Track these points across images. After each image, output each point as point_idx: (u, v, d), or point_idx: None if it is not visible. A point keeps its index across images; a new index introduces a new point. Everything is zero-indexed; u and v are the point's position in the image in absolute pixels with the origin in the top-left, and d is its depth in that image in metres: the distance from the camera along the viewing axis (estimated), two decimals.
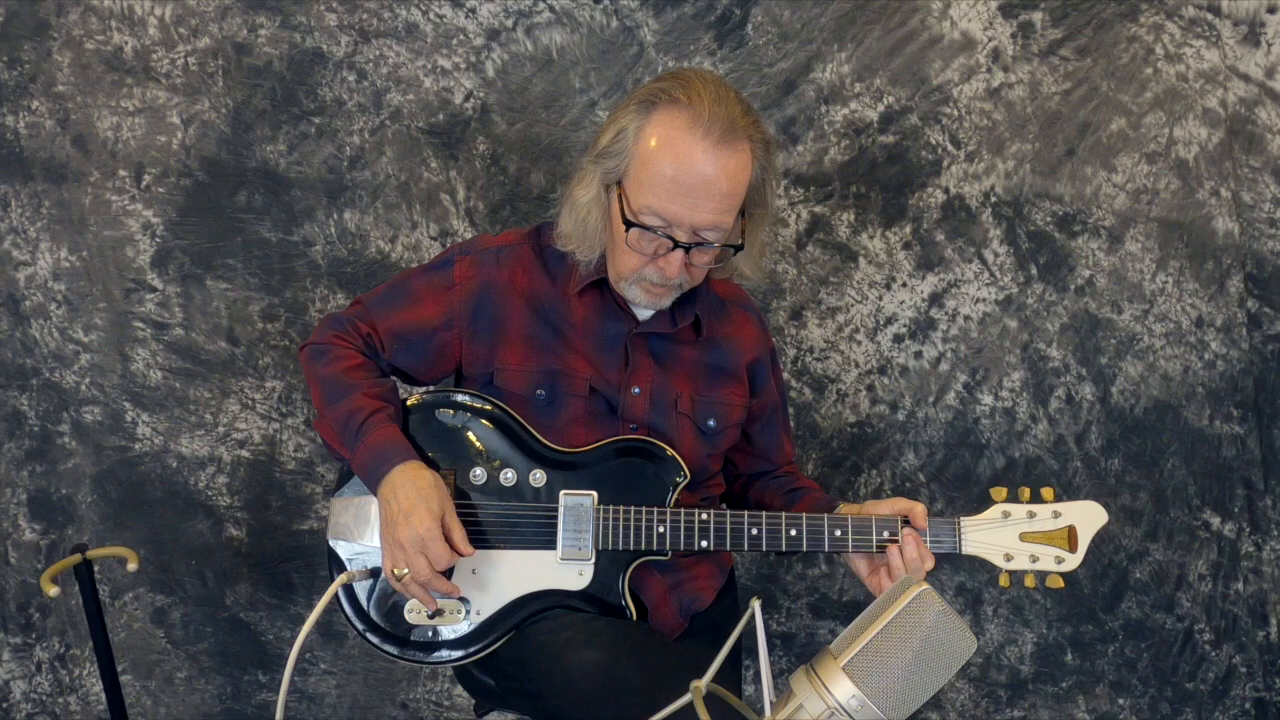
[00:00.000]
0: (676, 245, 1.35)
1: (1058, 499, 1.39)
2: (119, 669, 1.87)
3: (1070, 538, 1.38)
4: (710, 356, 1.54)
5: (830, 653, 0.96)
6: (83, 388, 2.07)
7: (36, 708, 2.18)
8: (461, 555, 1.36)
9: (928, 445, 2.11)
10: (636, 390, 1.48)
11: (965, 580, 2.15)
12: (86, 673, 2.16)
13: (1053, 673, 2.17)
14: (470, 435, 1.46)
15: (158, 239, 2.04)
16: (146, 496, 2.10)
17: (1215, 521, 2.12)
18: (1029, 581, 1.39)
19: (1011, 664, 2.17)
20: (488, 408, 1.47)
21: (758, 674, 0.98)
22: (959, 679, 2.18)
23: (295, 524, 2.10)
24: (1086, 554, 1.37)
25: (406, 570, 1.34)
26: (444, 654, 1.44)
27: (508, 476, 1.44)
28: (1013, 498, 1.40)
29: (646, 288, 1.42)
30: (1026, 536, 1.38)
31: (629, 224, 1.36)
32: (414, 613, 1.42)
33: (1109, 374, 2.09)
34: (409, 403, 1.47)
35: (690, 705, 0.93)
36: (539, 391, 1.46)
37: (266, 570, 2.12)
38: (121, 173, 2.02)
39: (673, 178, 1.33)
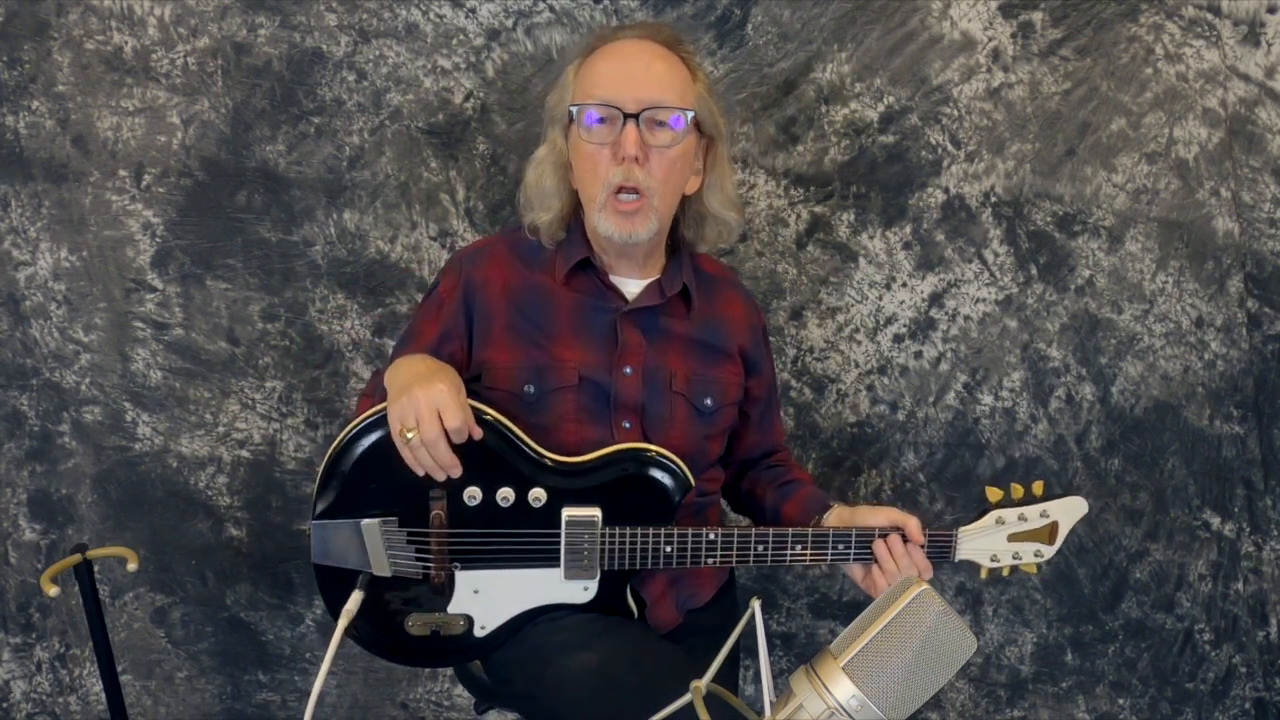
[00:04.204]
0: (627, 118, 1.36)
1: (1048, 493, 1.42)
2: (119, 669, 1.87)
3: (1051, 532, 1.42)
4: (703, 334, 1.51)
5: (830, 653, 0.96)
6: (83, 388, 2.07)
7: (36, 708, 2.18)
8: (473, 437, 1.29)
9: (928, 445, 2.11)
10: (628, 370, 1.44)
11: (965, 580, 2.15)
12: (86, 673, 2.16)
13: (1053, 673, 2.17)
14: (462, 452, 1.32)
15: (158, 239, 2.04)
16: (146, 496, 2.10)
17: (1215, 521, 2.12)
18: (1004, 571, 1.43)
19: (1011, 664, 2.17)
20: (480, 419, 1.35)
21: (758, 674, 0.97)
22: (959, 679, 2.18)
23: (295, 524, 2.10)
24: (1061, 544, 1.42)
25: (415, 432, 1.25)
26: (447, 660, 1.46)
27: (505, 497, 1.36)
28: (1007, 499, 1.42)
29: (615, 204, 1.38)
30: (1014, 537, 1.42)
31: (581, 110, 1.38)
32: (415, 626, 1.39)
33: (1109, 374, 2.09)
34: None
35: (690, 705, 0.93)
36: (527, 387, 1.41)
37: (266, 570, 2.12)
38: (121, 173, 2.02)
39: (608, 67, 1.40)
